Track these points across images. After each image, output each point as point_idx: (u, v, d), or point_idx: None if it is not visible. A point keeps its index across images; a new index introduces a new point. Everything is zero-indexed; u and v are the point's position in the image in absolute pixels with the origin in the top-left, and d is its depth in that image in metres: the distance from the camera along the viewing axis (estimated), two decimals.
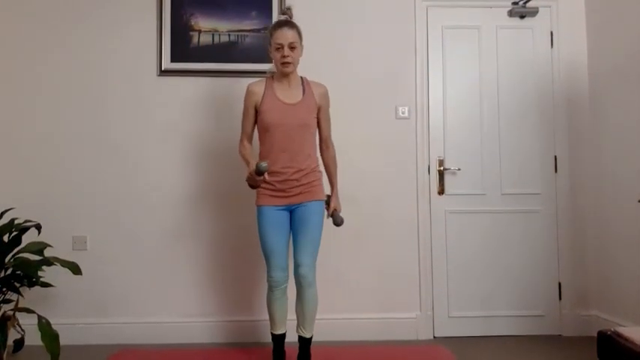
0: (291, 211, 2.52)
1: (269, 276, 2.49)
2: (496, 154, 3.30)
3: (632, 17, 2.92)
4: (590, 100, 3.31)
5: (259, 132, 2.52)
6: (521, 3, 3.31)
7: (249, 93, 2.51)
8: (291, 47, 2.42)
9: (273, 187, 2.47)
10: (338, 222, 2.57)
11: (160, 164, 3.18)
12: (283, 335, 2.57)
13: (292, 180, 2.46)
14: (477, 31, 3.34)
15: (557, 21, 3.34)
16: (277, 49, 2.43)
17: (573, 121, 3.31)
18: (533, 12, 3.31)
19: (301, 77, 2.56)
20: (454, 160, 3.29)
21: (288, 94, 2.49)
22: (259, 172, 2.27)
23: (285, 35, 2.41)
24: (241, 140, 2.58)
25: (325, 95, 2.57)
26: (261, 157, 2.51)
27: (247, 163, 2.48)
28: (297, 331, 2.52)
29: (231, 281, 3.16)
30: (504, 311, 3.24)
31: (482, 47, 3.33)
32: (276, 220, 2.47)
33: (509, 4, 3.33)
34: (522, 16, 3.33)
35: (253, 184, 2.41)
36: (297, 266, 2.44)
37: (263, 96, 2.48)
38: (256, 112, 2.51)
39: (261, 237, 2.49)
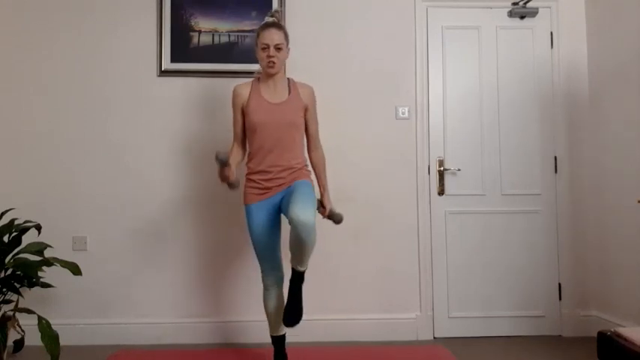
0: (280, 200, 2.45)
1: (262, 278, 2.51)
2: (496, 154, 3.30)
3: (632, 17, 2.92)
4: (590, 100, 3.31)
5: (248, 133, 2.51)
6: (521, 3, 3.31)
7: (234, 95, 2.51)
8: (277, 48, 2.42)
9: (259, 186, 2.45)
10: (337, 220, 2.54)
11: (160, 164, 3.18)
12: (283, 336, 2.56)
13: (278, 178, 2.44)
14: (477, 31, 3.34)
15: (557, 21, 3.34)
16: (263, 49, 2.43)
17: (573, 122, 3.31)
18: (533, 12, 3.31)
19: (288, 78, 2.57)
20: (454, 161, 3.29)
21: (273, 94, 2.48)
22: (219, 162, 2.20)
23: (272, 36, 2.41)
24: (233, 143, 2.57)
25: (311, 95, 2.55)
26: (250, 157, 2.51)
27: None
28: (292, 264, 2.30)
29: (231, 282, 3.16)
30: (504, 312, 3.24)
31: (482, 47, 3.33)
32: (265, 220, 2.43)
33: (509, 4, 3.33)
34: (522, 17, 3.33)
35: (222, 179, 2.30)
36: (293, 218, 2.12)
37: (249, 97, 2.48)
38: (244, 113, 2.50)
39: (252, 238, 2.48)
